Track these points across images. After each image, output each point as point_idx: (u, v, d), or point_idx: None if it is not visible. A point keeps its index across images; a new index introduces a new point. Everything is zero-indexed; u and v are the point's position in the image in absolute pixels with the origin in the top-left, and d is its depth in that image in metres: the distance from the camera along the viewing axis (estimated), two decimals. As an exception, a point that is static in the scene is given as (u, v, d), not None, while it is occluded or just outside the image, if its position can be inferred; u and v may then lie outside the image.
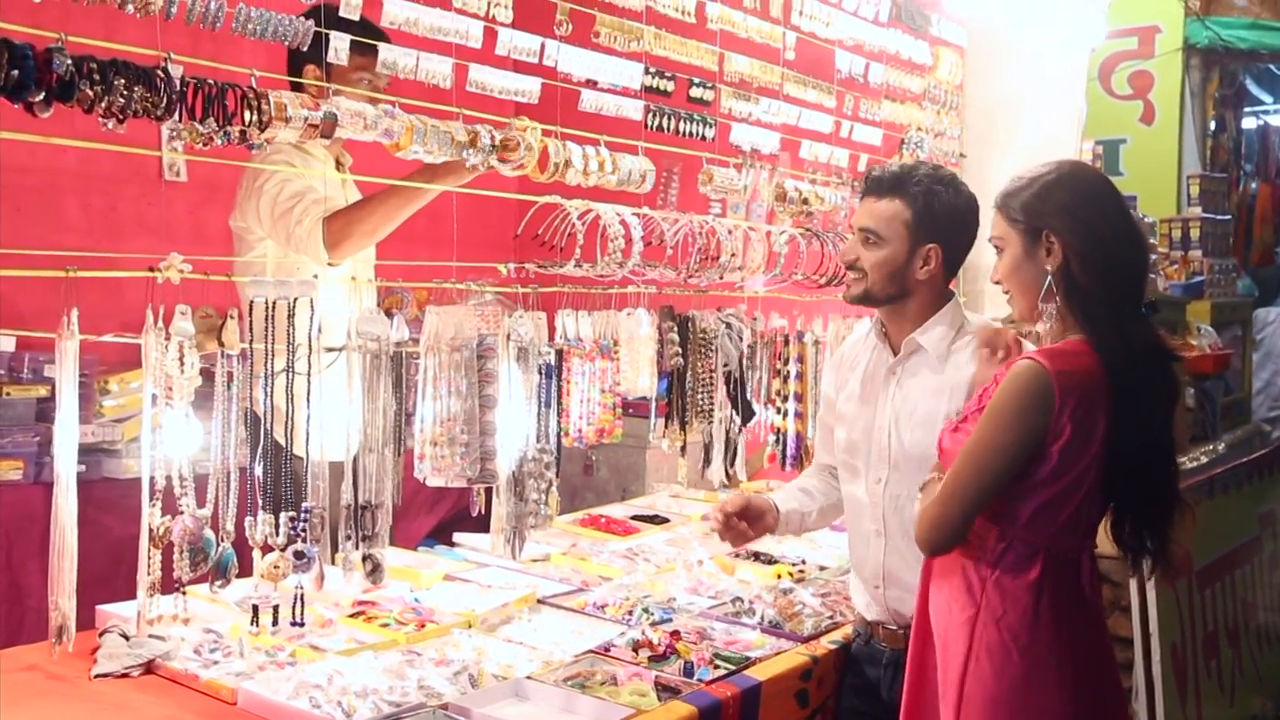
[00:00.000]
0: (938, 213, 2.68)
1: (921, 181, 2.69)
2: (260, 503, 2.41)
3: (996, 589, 2.19)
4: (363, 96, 2.65)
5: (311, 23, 2.37)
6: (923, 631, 2.37)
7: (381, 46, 2.59)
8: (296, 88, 2.94)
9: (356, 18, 2.49)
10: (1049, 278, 2.21)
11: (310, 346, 2.44)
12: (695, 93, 3.37)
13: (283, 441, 2.47)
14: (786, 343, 3.83)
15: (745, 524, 2.82)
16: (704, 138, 3.37)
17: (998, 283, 2.35)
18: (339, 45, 2.47)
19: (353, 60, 2.61)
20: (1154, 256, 4.37)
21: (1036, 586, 2.18)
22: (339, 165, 3.45)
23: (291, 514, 2.42)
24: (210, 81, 2.17)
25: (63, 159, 4.16)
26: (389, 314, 2.67)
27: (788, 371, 3.80)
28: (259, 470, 2.42)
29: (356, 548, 2.56)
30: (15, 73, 1.87)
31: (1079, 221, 2.19)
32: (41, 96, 1.92)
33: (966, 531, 2.18)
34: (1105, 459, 2.17)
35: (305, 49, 2.43)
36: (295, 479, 2.46)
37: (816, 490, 2.99)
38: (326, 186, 3.12)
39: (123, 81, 2.00)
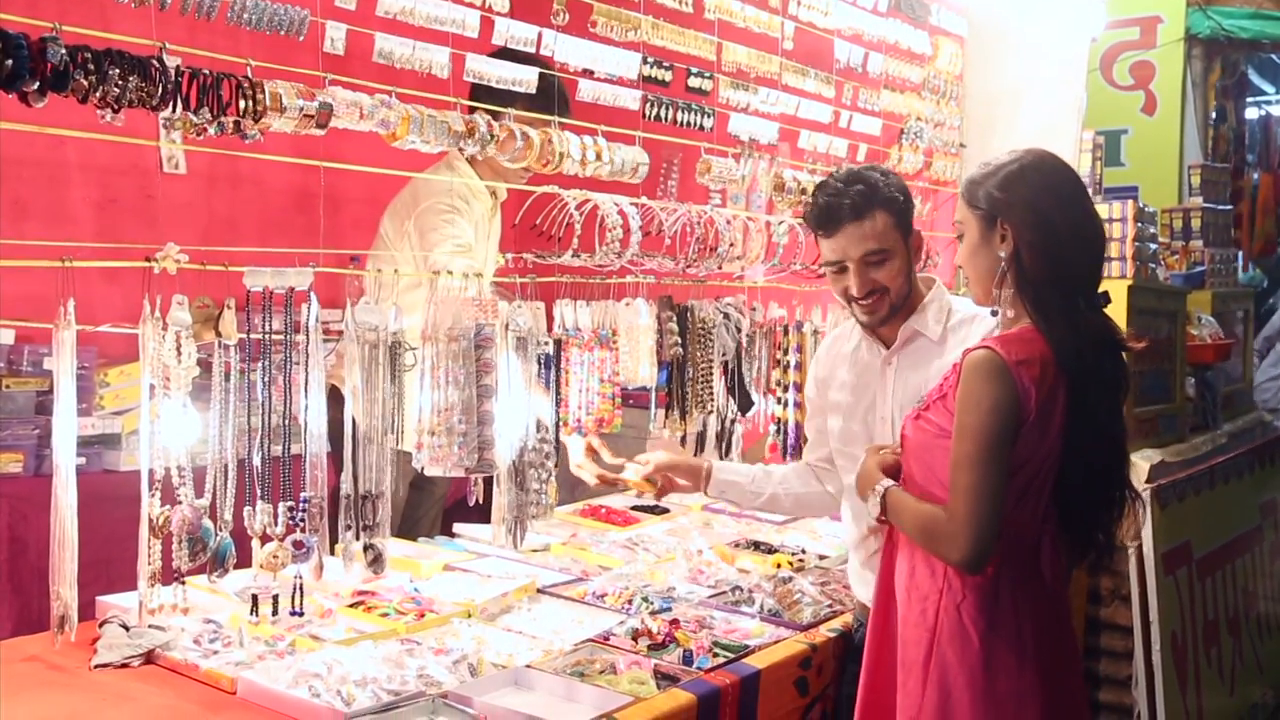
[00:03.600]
0: (906, 204, 2.72)
1: (880, 184, 2.68)
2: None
3: (957, 573, 2.19)
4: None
5: (307, 12, 2.38)
6: (885, 597, 2.38)
7: (378, 36, 2.59)
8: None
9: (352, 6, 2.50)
10: (1002, 264, 2.23)
11: (308, 337, 2.43)
12: (693, 82, 3.37)
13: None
14: (786, 332, 3.83)
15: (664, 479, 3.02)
16: (702, 128, 3.37)
17: (959, 266, 2.38)
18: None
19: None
20: (1155, 246, 4.36)
21: (996, 571, 2.18)
22: (493, 196, 3.56)
23: (290, 503, 2.42)
24: (205, 71, 2.17)
25: (62, 151, 4.16)
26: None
27: (787, 361, 3.80)
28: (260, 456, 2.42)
29: (357, 538, 2.56)
30: (9, 62, 1.88)
31: (1033, 212, 2.21)
32: (36, 86, 1.93)
33: (996, 536, 2.14)
34: (1061, 445, 2.18)
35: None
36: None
37: (784, 476, 3.01)
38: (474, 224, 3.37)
39: (117, 71, 2.01)
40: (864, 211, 2.65)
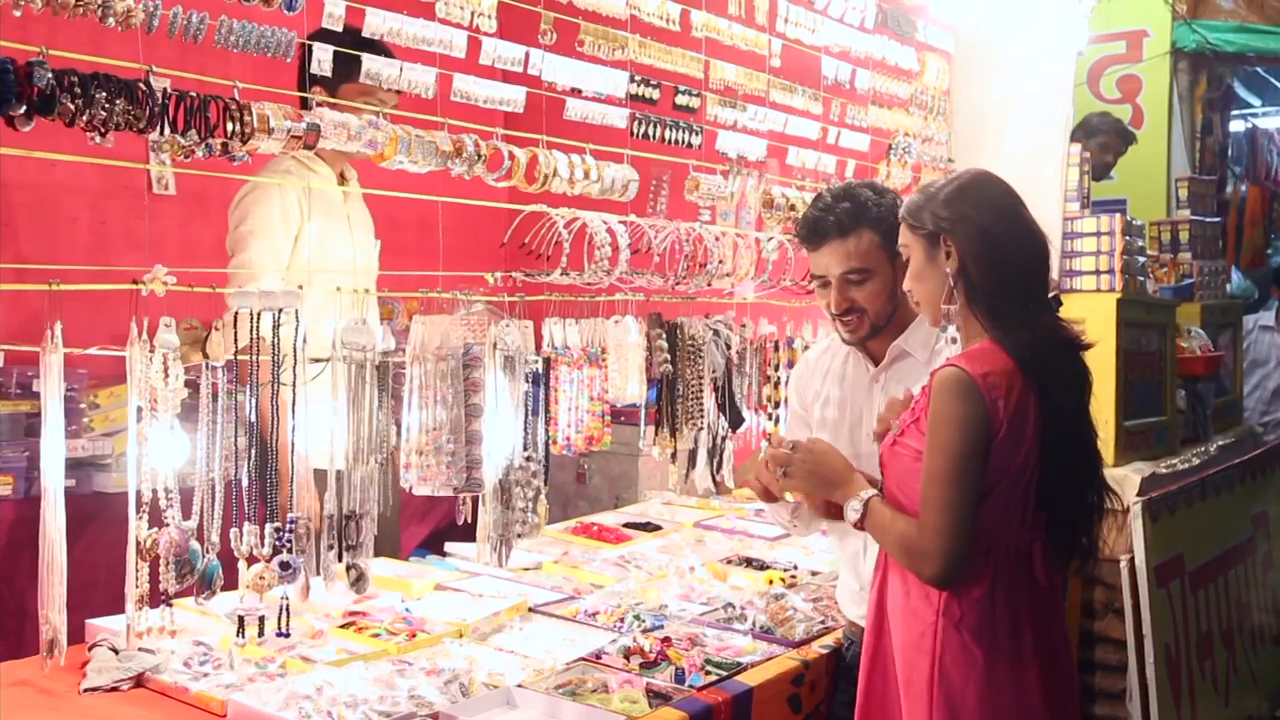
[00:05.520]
0: (897, 225, 2.69)
1: (869, 203, 2.67)
2: (249, 512, 2.41)
3: (953, 592, 2.20)
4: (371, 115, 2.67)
5: (294, 34, 2.38)
6: (879, 618, 2.39)
7: (365, 56, 2.59)
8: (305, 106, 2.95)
9: (340, 28, 2.51)
10: (949, 281, 2.28)
11: (295, 357, 2.43)
12: (681, 100, 3.38)
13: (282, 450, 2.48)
14: (776, 348, 3.84)
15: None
16: (690, 145, 3.38)
17: (908, 290, 2.41)
18: (322, 57, 2.48)
19: (359, 85, 2.70)
20: (1143, 259, 4.37)
21: (990, 584, 2.20)
22: (342, 179, 3.46)
23: (276, 525, 2.41)
24: (192, 94, 2.18)
25: (52, 173, 4.17)
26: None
27: (778, 378, 3.81)
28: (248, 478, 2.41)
29: (340, 558, 2.55)
30: (-4, 86, 1.88)
31: (973, 225, 2.26)
32: (23, 110, 1.93)
33: (968, 551, 2.17)
34: (1039, 452, 2.20)
35: (318, 71, 2.51)
36: (282, 485, 2.47)
37: None
38: (311, 197, 3.13)
39: (104, 94, 2.01)
40: (849, 229, 2.65)
